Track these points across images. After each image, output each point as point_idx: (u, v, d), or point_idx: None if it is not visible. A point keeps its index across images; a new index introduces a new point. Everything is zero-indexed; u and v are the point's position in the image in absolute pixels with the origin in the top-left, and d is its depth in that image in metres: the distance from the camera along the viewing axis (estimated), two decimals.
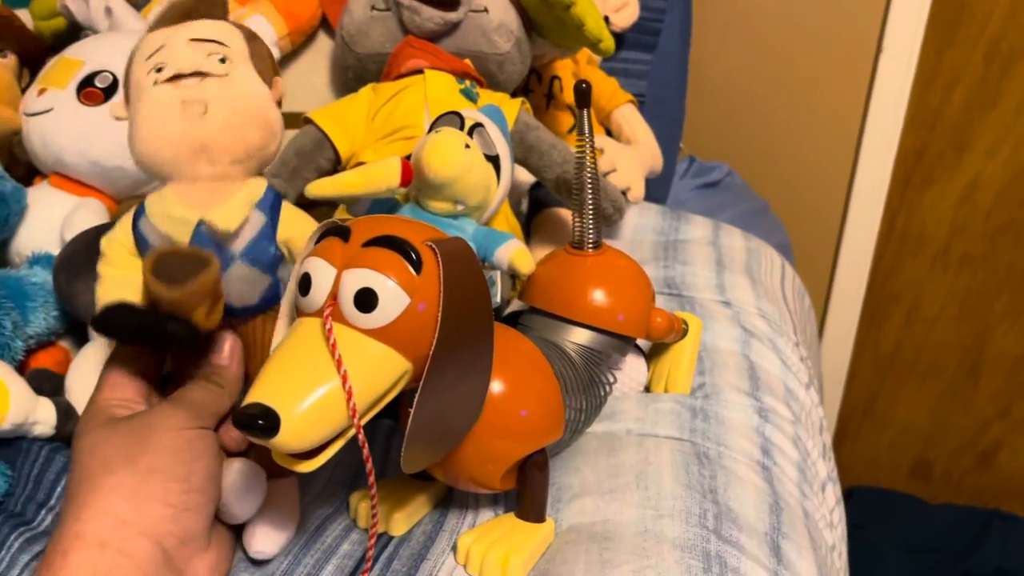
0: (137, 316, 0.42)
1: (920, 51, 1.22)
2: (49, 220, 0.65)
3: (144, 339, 0.44)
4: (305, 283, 0.39)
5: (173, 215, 0.45)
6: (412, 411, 0.38)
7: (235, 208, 0.46)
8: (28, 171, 0.74)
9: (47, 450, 0.51)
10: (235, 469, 0.46)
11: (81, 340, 0.63)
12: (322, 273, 0.39)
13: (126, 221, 0.48)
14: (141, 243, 0.47)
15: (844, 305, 1.41)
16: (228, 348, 0.48)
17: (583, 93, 0.54)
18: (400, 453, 0.48)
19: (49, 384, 0.56)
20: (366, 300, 0.38)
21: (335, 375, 0.37)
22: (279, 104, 0.50)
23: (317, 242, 0.41)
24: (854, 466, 1.53)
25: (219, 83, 0.46)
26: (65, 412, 0.53)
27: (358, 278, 0.38)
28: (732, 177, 1.18)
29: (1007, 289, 1.36)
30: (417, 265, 0.38)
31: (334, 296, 0.38)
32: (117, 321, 0.42)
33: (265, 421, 0.34)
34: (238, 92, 0.46)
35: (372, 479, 0.39)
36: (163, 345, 0.47)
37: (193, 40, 0.47)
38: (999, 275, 1.36)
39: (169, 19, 0.50)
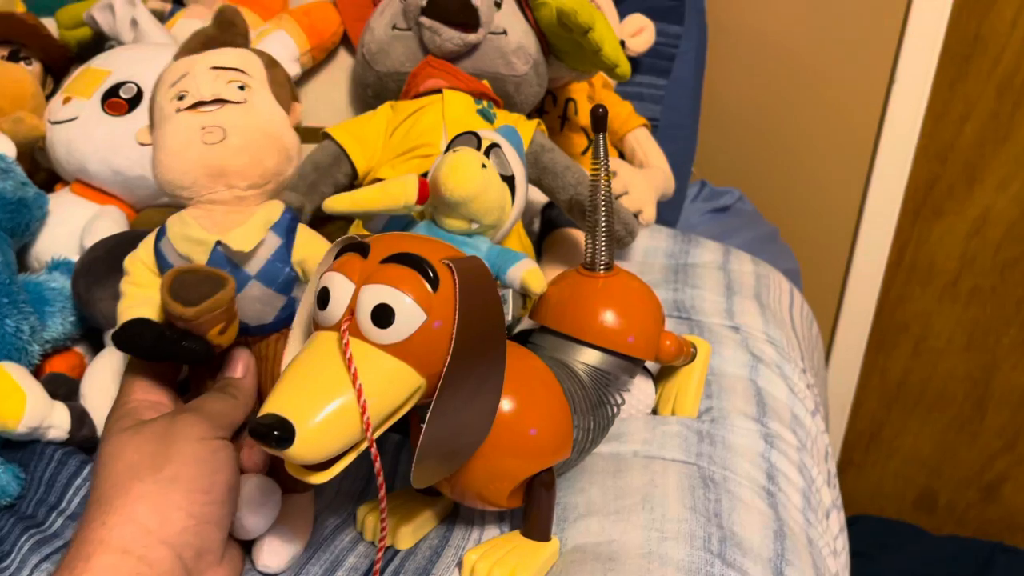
0: (154, 333, 0.44)
1: (933, 83, 1.23)
2: (70, 227, 0.66)
3: (160, 355, 0.45)
4: (323, 297, 0.40)
5: (191, 236, 0.47)
6: (424, 427, 0.39)
7: (251, 231, 0.47)
8: (49, 178, 0.75)
9: (60, 454, 0.52)
10: (252, 484, 0.46)
11: (97, 346, 0.64)
12: (341, 288, 0.39)
13: (148, 241, 0.50)
14: (161, 262, 0.49)
15: (852, 333, 1.41)
16: (243, 363, 0.49)
17: (599, 118, 0.55)
18: (408, 467, 0.48)
19: (64, 389, 0.56)
20: (383, 316, 0.38)
21: (350, 388, 0.37)
22: (297, 128, 0.52)
23: (336, 257, 0.41)
24: (858, 495, 1.53)
25: (238, 110, 0.48)
26: (79, 417, 0.54)
27: (376, 294, 0.38)
28: (743, 203, 1.18)
29: (1016, 323, 1.36)
30: (434, 283, 0.39)
31: (351, 311, 0.39)
32: (135, 337, 0.45)
33: (280, 432, 0.35)
34: (256, 119, 0.48)
35: (383, 493, 0.39)
36: (179, 361, 0.48)
37: (214, 68, 0.49)
38: (1008, 309, 1.36)
39: (192, 48, 0.52)
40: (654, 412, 0.63)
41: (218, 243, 0.47)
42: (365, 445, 0.38)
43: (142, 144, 0.53)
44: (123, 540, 0.38)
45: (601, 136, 0.56)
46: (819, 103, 1.28)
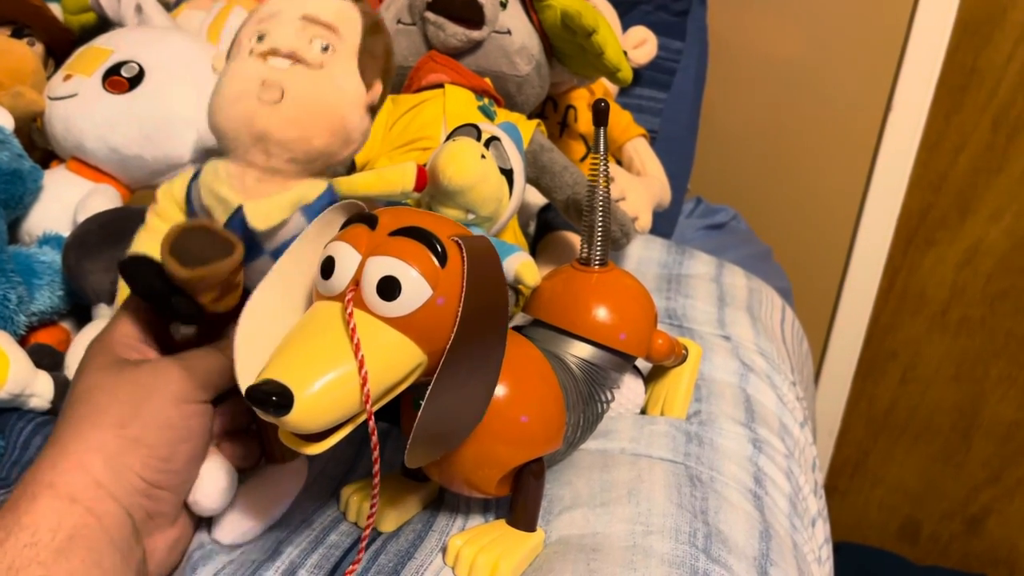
0: (150, 278, 0.42)
1: (928, 113, 1.24)
2: (63, 202, 0.65)
3: (151, 301, 0.43)
4: (328, 266, 0.39)
5: (217, 192, 0.44)
6: (423, 403, 0.38)
7: (274, 207, 0.45)
8: (44, 158, 0.75)
9: (38, 422, 0.51)
10: (210, 465, 0.44)
11: (83, 322, 0.63)
12: (347, 258, 0.39)
13: (184, 177, 0.47)
14: (189, 204, 0.46)
15: (840, 359, 1.41)
16: None
17: (601, 111, 0.55)
18: (395, 455, 0.48)
19: (49, 360, 0.56)
20: (389, 288, 0.38)
21: (352, 359, 0.36)
22: (373, 109, 0.47)
23: (343, 228, 0.41)
24: (842, 522, 1.52)
25: (307, 75, 0.43)
26: (62, 387, 0.53)
27: (383, 266, 0.38)
28: (737, 221, 1.19)
29: (1004, 355, 1.37)
30: (442, 258, 0.38)
31: (356, 282, 0.38)
32: (133, 273, 0.42)
33: (279, 398, 0.34)
34: (322, 90, 0.43)
35: (377, 467, 0.39)
36: (165, 314, 0.46)
37: (305, 18, 0.44)
38: (997, 340, 1.36)
39: None
40: (643, 412, 0.62)
41: (240, 207, 0.44)
42: (363, 418, 0.38)
43: (214, 70, 0.49)
44: (72, 488, 0.37)
45: (602, 130, 0.56)
46: (816, 127, 1.29)
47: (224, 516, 0.46)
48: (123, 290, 0.53)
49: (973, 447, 1.43)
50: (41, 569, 0.33)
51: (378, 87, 0.48)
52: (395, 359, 0.38)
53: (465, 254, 0.39)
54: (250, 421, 0.47)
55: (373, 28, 0.47)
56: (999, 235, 1.31)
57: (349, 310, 0.37)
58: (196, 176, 0.46)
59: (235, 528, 0.46)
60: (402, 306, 0.38)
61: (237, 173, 0.44)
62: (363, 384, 0.36)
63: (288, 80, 0.43)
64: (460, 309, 0.38)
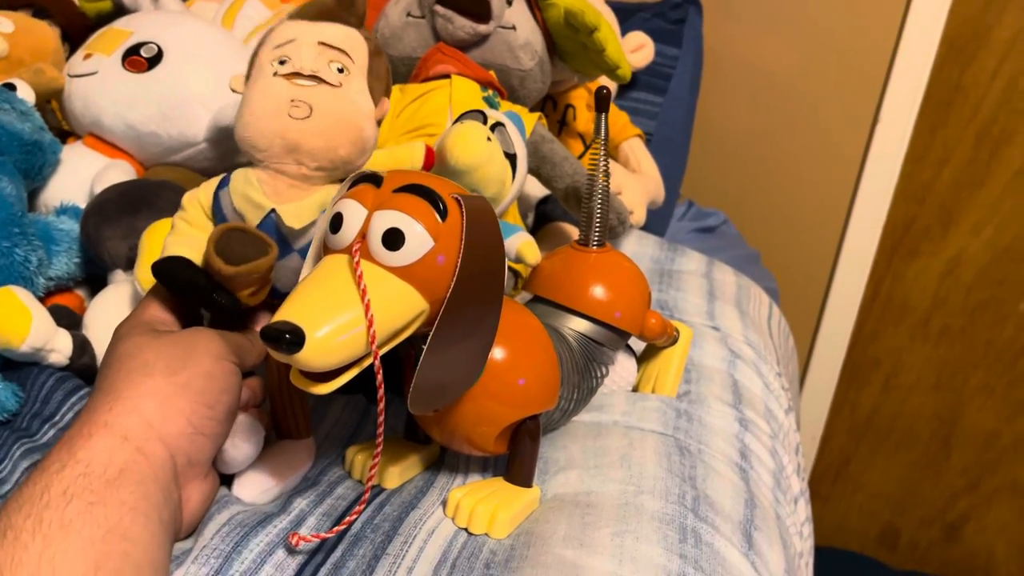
0: (190, 275, 0.47)
1: (914, 127, 1.28)
2: (80, 176, 0.68)
3: (190, 297, 0.48)
4: (336, 221, 0.42)
5: (251, 197, 0.49)
6: (425, 349, 0.40)
7: (305, 210, 0.49)
8: (58, 136, 0.77)
9: (58, 376, 0.53)
10: (239, 420, 0.48)
11: (97, 290, 0.65)
12: (354, 213, 0.42)
13: (210, 185, 0.52)
14: (217, 210, 0.50)
15: (825, 366, 1.44)
16: (264, 323, 0.51)
17: (603, 98, 0.58)
18: (397, 419, 0.51)
19: (67, 320, 0.58)
20: (393, 239, 0.40)
21: (359, 304, 0.39)
22: (379, 121, 0.53)
23: (350, 187, 0.43)
24: (823, 527, 1.55)
25: (330, 93, 0.49)
26: (81, 345, 0.55)
27: (388, 218, 0.41)
28: (727, 226, 1.22)
29: (983, 365, 1.40)
30: (443, 213, 0.41)
31: (363, 234, 0.41)
32: (173, 272, 0.47)
33: (292, 336, 0.37)
34: (344, 106, 0.49)
35: (382, 406, 0.41)
36: (205, 309, 0.50)
37: (322, 43, 0.50)
38: (977, 350, 1.40)
39: (307, 14, 0.53)
40: (635, 390, 0.65)
41: (272, 211, 0.49)
42: (369, 360, 0.40)
43: (234, 91, 0.54)
44: (125, 428, 0.39)
45: (603, 116, 0.59)
46: (806, 138, 1.32)
47: (245, 474, 0.49)
48: (142, 263, 0.56)
49: (952, 455, 1.46)
50: (94, 496, 0.36)
51: (384, 102, 0.54)
52: (399, 305, 0.41)
53: (464, 210, 0.41)
54: (264, 398, 0.50)
55: (376, 52, 0.53)
56: (980, 247, 1.34)
57: (356, 259, 0.40)
58: (222, 184, 0.50)
59: (255, 485, 0.49)
60: (405, 256, 0.41)
61: (269, 180, 0.49)
62: (369, 326, 0.39)
63: (314, 98, 0.48)
64: (459, 258, 0.41)
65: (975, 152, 1.30)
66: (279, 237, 0.49)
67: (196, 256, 0.48)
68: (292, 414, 0.51)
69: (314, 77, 0.49)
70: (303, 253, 0.50)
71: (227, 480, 0.49)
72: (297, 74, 0.48)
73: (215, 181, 0.51)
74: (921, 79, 1.26)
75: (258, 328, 0.50)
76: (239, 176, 0.50)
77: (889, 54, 1.26)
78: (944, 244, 1.36)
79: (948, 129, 1.30)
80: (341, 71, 0.49)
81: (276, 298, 0.51)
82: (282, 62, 0.49)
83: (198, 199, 0.51)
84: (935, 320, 1.41)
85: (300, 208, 0.49)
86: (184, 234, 0.50)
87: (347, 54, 0.50)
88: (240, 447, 0.47)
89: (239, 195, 0.49)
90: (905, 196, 1.35)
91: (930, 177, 1.34)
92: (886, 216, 1.33)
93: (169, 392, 0.41)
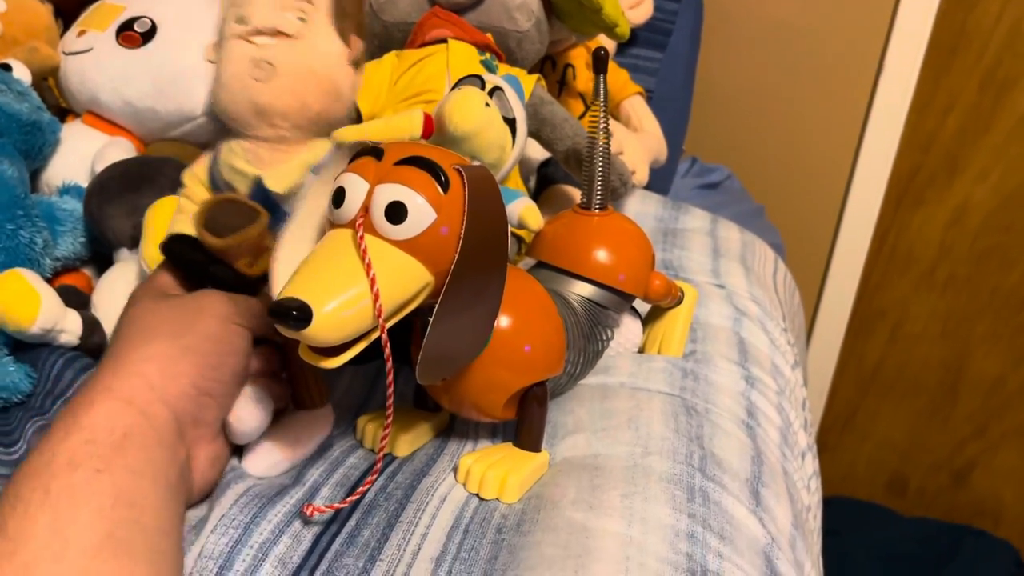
0: (189, 253, 0.47)
1: (919, 75, 1.27)
2: (80, 154, 0.68)
3: (192, 274, 0.48)
4: (339, 196, 0.42)
5: (235, 167, 0.48)
6: (431, 320, 0.41)
7: (289, 172, 0.49)
8: (55, 116, 0.77)
9: (68, 356, 0.54)
10: (246, 390, 0.48)
11: (102, 270, 0.66)
12: (356, 187, 0.42)
13: (205, 159, 0.51)
14: (213, 183, 0.50)
15: (831, 318, 1.45)
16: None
17: (600, 59, 0.58)
18: (406, 387, 0.51)
19: (75, 299, 0.58)
20: (396, 212, 0.40)
21: (364, 278, 0.39)
22: (358, 64, 0.52)
23: (351, 161, 0.43)
24: (832, 477, 1.56)
25: (291, 47, 0.47)
26: (90, 325, 0.56)
27: (390, 192, 0.41)
28: (731, 181, 1.21)
29: (989, 312, 1.40)
30: (445, 185, 0.41)
31: (366, 208, 0.41)
32: (174, 251, 0.47)
33: (299, 312, 0.37)
34: (308, 57, 0.47)
35: (391, 379, 0.42)
36: (209, 283, 0.50)
37: None
38: (982, 298, 1.40)
39: None
40: (640, 351, 0.65)
41: (258, 178, 0.48)
42: (376, 334, 0.40)
43: (209, 61, 0.53)
44: (128, 392, 0.40)
45: (601, 77, 0.59)
46: (809, 89, 1.31)
47: (254, 447, 0.49)
48: (147, 240, 0.56)
49: (959, 402, 1.47)
50: (100, 462, 0.36)
51: (356, 42, 0.51)
52: (404, 278, 0.41)
53: (466, 180, 0.41)
54: (281, 367, 0.51)
55: None
56: (986, 194, 1.34)
57: (360, 234, 0.40)
58: (215, 158, 0.50)
59: (264, 459, 0.49)
60: (409, 229, 0.41)
61: (250, 148, 0.48)
62: (375, 300, 0.39)
63: (275, 55, 0.47)
64: (463, 228, 0.41)
65: (980, 98, 1.29)
66: (270, 203, 0.48)
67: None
68: (304, 383, 0.52)
69: (273, 32, 0.47)
70: None
71: (241, 451, 0.50)
72: (257, 32, 0.47)
73: (207, 157, 0.51)
74: (925, 26, 1.24)
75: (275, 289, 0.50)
76: (225, 148, 0.49)
77: (892, 1, 1.24)
78: (949, 192, 1.36)
79: (952, 76, 1.29)
80: (302, 20, 0.47)
81: None
82: (240, 21, 0.47)
83: (196, 175, 0.51)
84: (941, 269, 1.41)
85: (284, 172, 0.48)
86: (187, 211, 0.51)
87: None
88: (244, 420, 0.47)
89: (226, 166, 0.49)
90: (910, 145, 1.34)
91: (935, 125, 1.33)
92: (891, 166, 1.32)
93: (172, 354, 0.42)
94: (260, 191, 0.48)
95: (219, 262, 0.47)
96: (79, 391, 0.40)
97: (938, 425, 1.49)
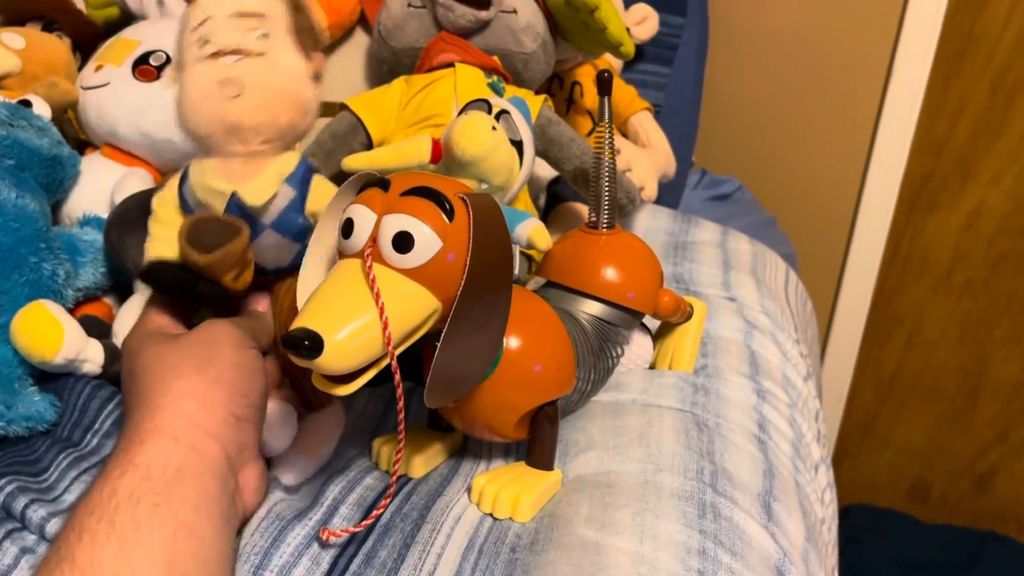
0: (174, 274, 0.48)
1: (928, 79, 1.27)
2: (100, 186, 0.70)
3: (180, 295, 0.49)
4: (348, 227, 0.43)
5: (209, 186, 0.50)
6: (439, 346, 0.42)
7: (264, 184, 0.50)
8: (76, 147, 0.79)
9: (94, 384, 0.55)
10: (272, 406, 0.50)
11: (123, 299, 0.67)
12: (364, 218, 0.43)
13: (174, 182, 0.53)
14: (184, 205, 0.52)
15: (847, 324, 1.44)
16: (265, 303, 0.52)
17: (605, 81, 0.59)
18: (419, 409, 0.52)
19: (97, 330, 0.60)
20: (403, 242, 0.42)
21: (373, 307, 0.40)
22: (319, 77, 0.53)
23: (358, 192, 0.45)
24: (853, 484, 1.56)
25: (256, 64, 0.48)
26: (112, 353, 0.57)
27: (397, 222, 0.42)
28: (742, 192, 1.22)
29: (1007, 315, 1.40)
30: (450, 214, 0.42)
31: (374, 239, 0.42)
32: (158, 275, 0.49)
33: (310, 343, 0.38)
34: (274, 74, 0.49)
35: (401, 404, 0.43)
36: (196, 302, 0.51)
37: (236, 14, 0.49)
38: (1000, 301, 1.39)
39: None
40: (651, 367, 0.66)
41: (234, 194, 0.49)
42: (386, 361, 0.42)
43: (173, 83, 0.54)
44: (174, 429, 0.41)
45: (606, 99, 0.59)
46: (818, 97, 1.31)
47: (282, 458, 0.51)
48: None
49: (979, 407, 1.46)
50: (158, 497, 0.38)
51: (316, 56, 0.52)
52: (412, 306, 0.42)
53: (470, 208, 0.42)
54: (283, 376, 0.52)
55: (294, 6, 0.51)
56: (1000, 197, 1.33)
57: (369, 264, 0.41)
58: (183, 180, 0.51)
59: (294, 466, 0.51)
60: (416, 258, 0.42)
61: (222, 165, 0.49)
62: (384, 328, 0.40)
63: (242, 73, 0.48)
64: (468, 256, 0.42)
65: (990, 101, 1.29)
66: (247, 217, 0.50)
67: (175, 254, 0.50)
68: (311, 385, 0.53)
69: (237, 52, 0.48)
70: (277, 227, 0.51)
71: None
72: (221, 52, 0.48)
73: (176, 179, 0.52)
74: (933, 30, 1.24)
75: (252, 308, 0.52)
76: (195, 168, 0.50)
77: (900, 6, 1.24)
78: (963, 196, 1.35)
79: (962, 79, 1.29)
80: (265, 36, 0.49)
81: (263, 275, 0.52)
82: (202, 43, 0.48)
83: (166, 198, 0.52)
84: (957, 273, 1.40)
85: (259, 184, 0.49)
86: (160, 237, 0.52)
87: (263, 17, 0.49)
88: (277, 434, 0.49)
89: (200, 187, 0.50)
90: (922, 150, 1.33)
91: (946, 129, 1.32)
92: (903, 171, 1.32)
93: (204, 388, 0.43)
94: (235, 206, 0.50)
95: (205, 279, 0.48)
96: (122, 437, 0.41)
97: (959, 430, 1.48)
